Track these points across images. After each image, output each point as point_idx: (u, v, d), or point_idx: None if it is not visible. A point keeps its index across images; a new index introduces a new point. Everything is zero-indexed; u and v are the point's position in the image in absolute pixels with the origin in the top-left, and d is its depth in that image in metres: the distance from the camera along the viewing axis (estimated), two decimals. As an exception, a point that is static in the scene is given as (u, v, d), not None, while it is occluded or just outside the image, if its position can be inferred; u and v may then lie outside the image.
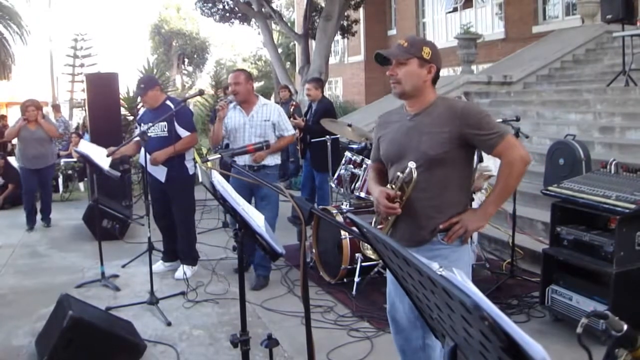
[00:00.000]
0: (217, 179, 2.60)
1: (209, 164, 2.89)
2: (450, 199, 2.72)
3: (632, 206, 3.75)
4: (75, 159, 10.92)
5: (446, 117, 2.66)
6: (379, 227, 2.84)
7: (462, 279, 1.08)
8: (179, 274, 5.71)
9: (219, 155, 2.87)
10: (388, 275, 2.96)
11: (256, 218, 2.43)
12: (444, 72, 18.37)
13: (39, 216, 8.34)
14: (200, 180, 3.22)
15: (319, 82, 7.83)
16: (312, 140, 7.10)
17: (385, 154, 2.87)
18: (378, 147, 2.96)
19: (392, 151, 2.81)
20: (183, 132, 5.53)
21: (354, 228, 2.03)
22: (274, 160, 5.55)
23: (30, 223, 8.14)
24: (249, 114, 5.42)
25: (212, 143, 5.52)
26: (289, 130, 5.60)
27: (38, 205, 8.37)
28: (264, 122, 5.41)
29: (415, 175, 2.58)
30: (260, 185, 4.98)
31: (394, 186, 2.70)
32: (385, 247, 1.33)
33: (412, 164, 2.59)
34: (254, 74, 32.74)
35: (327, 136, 6.59)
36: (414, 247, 2.72)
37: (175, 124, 5.47)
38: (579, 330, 1.36)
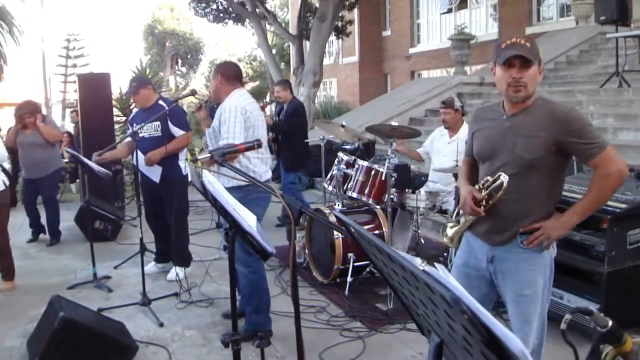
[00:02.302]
0: (208, 178, 2.59)
1: (199, 163, 2.87)
2: (537, 204, 2.67)
3: (623, 206, 3.77)
4: (66, 159, 10.86)
5: (546, 120, 2.58)
6: (460, 219, 2.89)
7: (444, 274, 1.08)
8: (171, 275, 5.69)
9: (209, 155, 2.86)
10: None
11: (247, 218, 2.42)
12: (436, 73, 18.40)
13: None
14: (190, 179, 3.20)
15: (287, 84, 7.95)
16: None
17: (478, 150, 2.85)
18: (471, 141, 2.94)
19: (486, 149, 2.78)
20: (177, 131, 5.50)
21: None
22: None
23: (33, 235, 7.52)
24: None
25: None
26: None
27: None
28: (212, 130, 4.42)
29: (505, 186, 2.56)
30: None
31: (482, 187, 2.70)
32: (369, 244, 1.33)
33: (504, 178, 2.57)
34: (249, 74, 32.67)
35: (322, 136, 6.64)
36: (492, 245, 2.75)
37: (169, 123, 5.45)
38: (562, 326, 1.36)
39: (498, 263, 2.75)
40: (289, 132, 7.28)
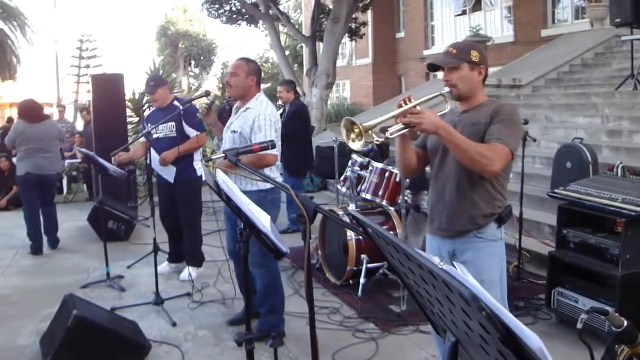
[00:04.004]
0: (222, 177, 2.60)
1: (212, 163, 2.88)
2: (482, 192, 2.81)
3: (638, 209, 3.73)
4: (79, 160, 10.89)
5: (486, 113, 2.78)
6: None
7: (462, 273, 1.08)
8: (184, 275, 5.71)
9: (223, 155, 2.86)
10: None
11: (261, 217, 2.42)
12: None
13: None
14: (204, 179, 3.19)
15: (291, 85, 7.87)
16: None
17: (430, 144, 3.01)
18: (425, 136, 3.06)
19: (434, 142, 2.94)
20: (192, 132, 5.51)
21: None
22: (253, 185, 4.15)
23: (31, 248, 7.00)
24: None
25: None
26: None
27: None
28: (232, 133, 4.25)
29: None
30: None
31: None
32: (386, 242, 1.32)
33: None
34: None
35: (335, 138, 6.63)
36: (451, 239, 2.90)
37: (183, 123, 5.45)
38: (579, 325, 1.35)
39: (459, 255, 2.88)
40: (290, 135, 7.18)
